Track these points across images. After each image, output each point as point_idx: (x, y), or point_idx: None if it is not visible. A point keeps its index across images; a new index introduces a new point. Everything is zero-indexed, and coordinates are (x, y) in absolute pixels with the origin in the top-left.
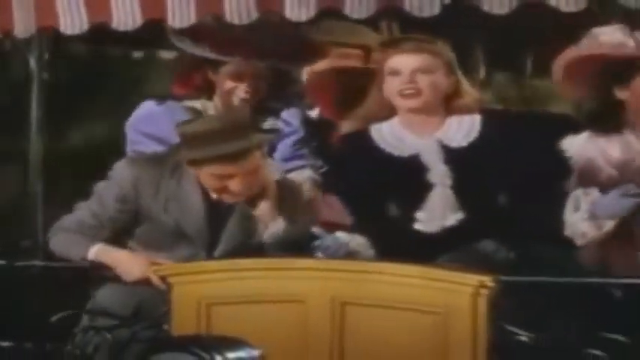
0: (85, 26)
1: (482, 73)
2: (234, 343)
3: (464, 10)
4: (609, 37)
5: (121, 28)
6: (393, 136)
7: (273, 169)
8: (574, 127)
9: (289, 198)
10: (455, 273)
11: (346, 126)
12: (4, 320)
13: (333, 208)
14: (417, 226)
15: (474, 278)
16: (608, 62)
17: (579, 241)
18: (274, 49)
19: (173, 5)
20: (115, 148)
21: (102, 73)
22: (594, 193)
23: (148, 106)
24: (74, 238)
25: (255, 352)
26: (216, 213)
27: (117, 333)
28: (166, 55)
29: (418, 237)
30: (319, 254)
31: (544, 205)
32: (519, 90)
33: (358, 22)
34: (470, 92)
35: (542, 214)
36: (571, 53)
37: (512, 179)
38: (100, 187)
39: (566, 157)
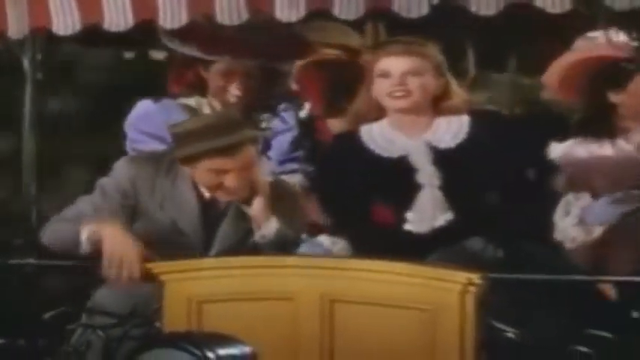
0: (78, 27)
1: (471, 73)
2: (226, 340)
3: (452, 11)
4: (604, 39)
5: (113, 28)
6: (382, 137)
7: (266, 169)
8: (562, 128)
9: (283, 199)
10: (443, 270)
11: (337, 126)
12: None
13: (313, 207)
14: (407, 226)
15: (462, 276)
16: (603, 65)
17: (568, 245)
18: (264, 47)
19: (164, 6)
20: (108, 149)
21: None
22: (585, 198)
23: (145, 105)
24: (69, 226)
25: (247, 349)
26: (211, 213)
27: (110, 331)
28: (157, 55)
29: (408, 238)
30: None
31: (532, 205)
32: (509, 90)
33: (346, 23)
34: (458, 93)
35: (530, 213)
36: (567, 58)
37: (501, 179)
38: (103, 181)
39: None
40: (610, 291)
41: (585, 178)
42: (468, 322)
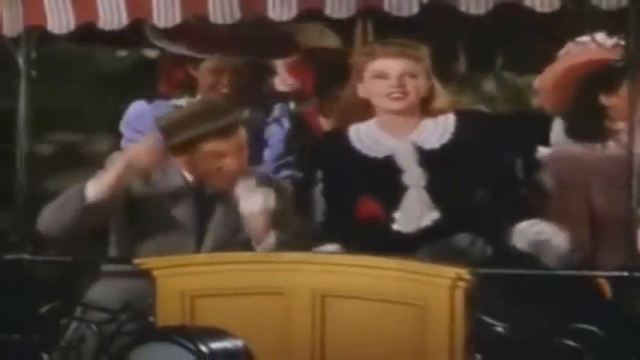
0: (72, 26)
1: (460, 72)
2: (219, 334)
3: (441, 10)
4: (597, 42)
5: (107, 27)
6: (369, 137)
7: (262, 169)
8: (548, 126)
9: (281, 200)
10: (433, 266)
11: (326, 124)
12: None
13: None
14: (395, 226)
15: (451, 271)
16: (594, 68)
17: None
18: (252, 45)
19: (158, 5)
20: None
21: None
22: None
23: (139, 106)
24: (70, 192)
25: (239, 343)
26: (203, 203)
27: (104, 326)
28: (151, 53)
29: (395, 237)
30: None
31: (517, 203)
32: (498, 89)
33: (338, 21)
34: (445, 94)
35: (516, 211)
36: (561, 65)
37: (487, 178)
38: (99, 172)
39: (540, 157)
40: (606, 287)
41: (575, 180)
42: (458, 316)
